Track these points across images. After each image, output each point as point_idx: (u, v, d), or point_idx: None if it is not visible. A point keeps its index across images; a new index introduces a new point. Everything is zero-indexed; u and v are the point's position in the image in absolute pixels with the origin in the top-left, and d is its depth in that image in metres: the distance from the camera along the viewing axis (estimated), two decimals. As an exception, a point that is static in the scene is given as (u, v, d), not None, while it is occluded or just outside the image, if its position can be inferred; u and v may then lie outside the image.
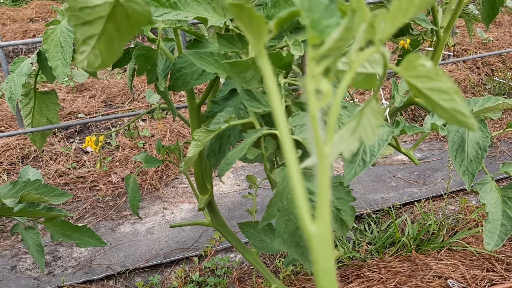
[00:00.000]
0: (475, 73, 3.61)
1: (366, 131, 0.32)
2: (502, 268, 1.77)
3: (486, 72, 3.63)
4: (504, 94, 3.42)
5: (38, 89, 1.22)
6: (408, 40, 1.34)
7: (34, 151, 2.87)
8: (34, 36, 5.51)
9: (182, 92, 2.94)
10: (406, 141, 2.92)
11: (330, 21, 0.31)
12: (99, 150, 1.22)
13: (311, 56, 0.30)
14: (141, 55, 0.92)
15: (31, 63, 1.08)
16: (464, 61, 3.61)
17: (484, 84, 3.55)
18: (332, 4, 0.32)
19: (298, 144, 0.84)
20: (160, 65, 0.92)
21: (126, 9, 0.39)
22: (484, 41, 4.01)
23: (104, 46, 0.41)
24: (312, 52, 0.30)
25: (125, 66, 1.24)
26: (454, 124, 0.31)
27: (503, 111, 3.22)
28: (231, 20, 0.82)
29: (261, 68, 0.30)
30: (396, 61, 1.66)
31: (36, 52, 1.10)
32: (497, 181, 2.11)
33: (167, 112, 1.14)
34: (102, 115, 3.24)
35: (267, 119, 0.90)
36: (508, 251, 1.87)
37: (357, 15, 0.29)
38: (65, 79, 3.59)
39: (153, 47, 0.97)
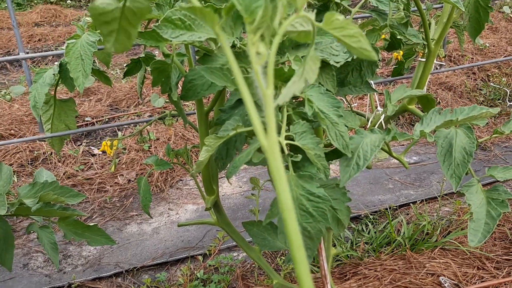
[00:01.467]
0: (471, 79, 3.70)
1: (309, 74, 0.43)
2: (492, 266, 1.86)
3: (482, 78, 3.73)
4: (499, 99, 3.52)
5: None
6: (401, 52, 1.44)
7: (43, 153, 2.97)
8: (39, 40, 5.61)
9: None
10: (403, 145, 3.01)
11: (257, 4, 0.44)
12: (113, 154, 1.31)
13: (249, 30, 0.42)
14: (156, 68, 1.01)
15: (54, 74, 1.18)
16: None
17: (480, 89, 3.64)
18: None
19: (298, 149, 0.94)
20: (174, 77, 1.01)
21: (132, 9, 0.51)
22: (480, 47, 4.10)
23: (122, 35, 0.54)
24: (249, 28, 0.42)
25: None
26: (361, 57, 0.43)
27: (497, 116, 3.32)
28: (238, 38, 0.92)
29: (221, 44, 0.40)
30: (392, 71, 1.76)
31: (57, 63, 1.19)
32: (485, 185, 2.20)
33: (177, 119, 1.22)
34: (109, 118, 3.33)
35: (270, 127, 1.00)
36: (498, 250, 1.96)
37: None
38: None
39: (167, 61, 1.06)
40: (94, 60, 1.35)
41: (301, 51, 0.98)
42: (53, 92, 1.29)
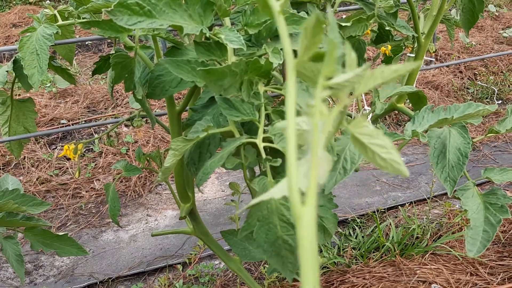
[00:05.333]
0: (458, 78, 3.64)
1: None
2: (485, 272, 1.77)
3: (469, 76, 3.66)
4: (486, 98, 3.46)
5: (15, 96, 1.20)
6: (389, 47, 1.34)
7: (15, 158, 2.83)
8: (16, 41, 5.44)
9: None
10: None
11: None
12: (78, 158, 1.20)
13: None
14: (118, 63, 0.90)
15: (7, 71, 1.06)
16: (447, 66, 3.64)
17: (467, 88, 3.58)
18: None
19: (278, 153, 0.83)
20: (137, 72, 0.90)
21: None
22: (466, 46, 4.05)
23: None
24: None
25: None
26: (389, 171, 0.38)
27: (485, 115, 3.26)
28: (209, 28, 0.81)
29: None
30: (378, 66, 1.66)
31: (12, 60, 1.08)
32: (478, 185, 2.12)
33: (146, 120, 1.11)
34: (85, 121, 3.20)
35: (247, 128, 0.89)
36: (491, 255, 1.87)
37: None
38: (47, 85, 3.53)
39: (131, 55, 0.96)
40: (55, 57, 1.24)
41: (280, 43, 0.88)
42: (9, 92, 1.17)
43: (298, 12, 0.91)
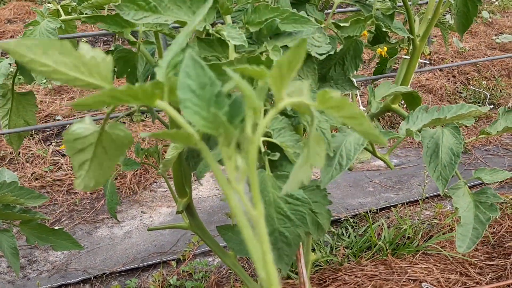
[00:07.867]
0: (451, 82, 3.68)
1: (315, 158, 0.39)
2: (475, 272, 1.81)
3: (462, 81, 3.71)
4: (479, 103, 3.50)
5: (15, 90, 1.21)
6: (386, 48, 1.37)
7: (10, 153, 2.83)
8: (11, 37, 5.43)
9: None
10: (383, 147, 2.96)
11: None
12: (77, 152, 1.21)
13: (221, 143, 0.37)
14: (121, 57, 0.92)
15: (9, 64, 1.07)
16: (440, 70, 3.68)
17: (460, 92, 3.62)
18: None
19: (275, 147, 0.86)
20: (140, 68, 0.92)
21: (111, 135, 0.48)
22: (460, 51, 4.09)
23: (96, 168, 0.49)
24: (220, 140, 0.36)
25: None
26: (367, 138, 0.39)
27: (477, 118, 3.30)
28: (212, 24, 0.83)
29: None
30: (374, 69, 1.69)
31: (14, 52, 1.09)
32: (470, 187, 2.15)
33: (146, 115, 1.12)
34: (81, 117, 3.20)
35: (246, 123, 0.91)
36: (480, 255, 1.91)
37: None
38: (43, 81, 3.54)
39: (133, 50, 0.98)
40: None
41: (280, 41, 0.90)
42: (11, 85, 1.19)
43: (298, 11, 0.93)
